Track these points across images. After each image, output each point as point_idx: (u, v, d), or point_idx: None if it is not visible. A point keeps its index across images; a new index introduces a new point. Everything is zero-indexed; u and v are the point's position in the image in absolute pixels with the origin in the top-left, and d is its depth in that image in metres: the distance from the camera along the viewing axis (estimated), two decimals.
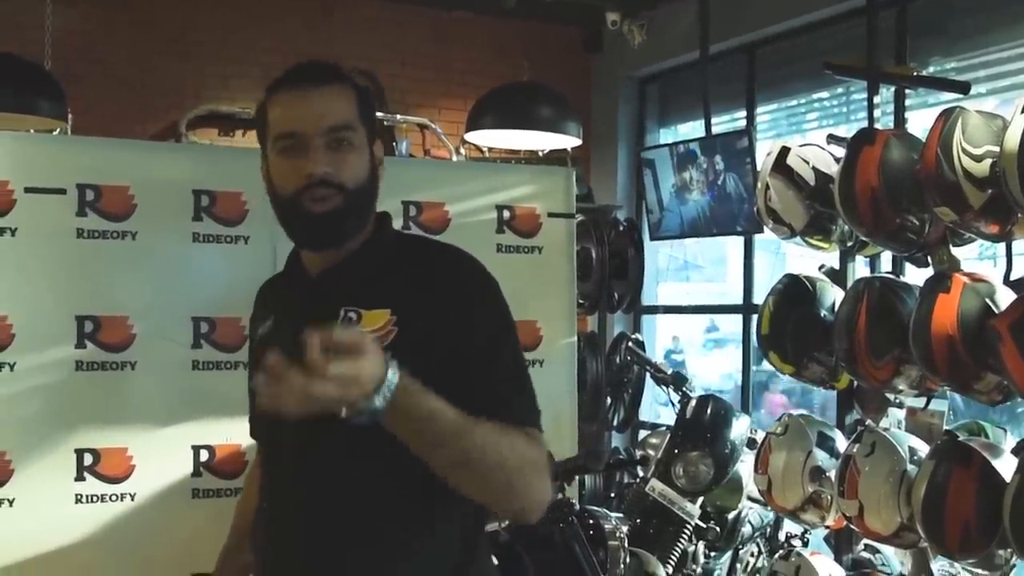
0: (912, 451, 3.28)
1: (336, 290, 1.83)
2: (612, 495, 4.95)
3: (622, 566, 3.08)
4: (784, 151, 3.75)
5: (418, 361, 1.64)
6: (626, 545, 3.12)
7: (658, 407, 6.09)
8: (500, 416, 1.68)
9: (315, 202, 1.77)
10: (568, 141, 4.91)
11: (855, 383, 3.69)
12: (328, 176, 1.76)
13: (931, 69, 4.46)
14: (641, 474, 4.31)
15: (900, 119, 4.40)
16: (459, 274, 1.82)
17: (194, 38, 5.56)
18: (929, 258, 3.33)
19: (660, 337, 6.49)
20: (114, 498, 3.18)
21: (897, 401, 3.61)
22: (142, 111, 5.41)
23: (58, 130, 4.35)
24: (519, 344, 1.84)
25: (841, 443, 3.65)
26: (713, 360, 8.07)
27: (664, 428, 4.74)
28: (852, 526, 3.46)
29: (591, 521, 3.06)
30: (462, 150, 5.84)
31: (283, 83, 1.81)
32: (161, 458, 3.24)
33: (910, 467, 3.24)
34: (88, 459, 3.17)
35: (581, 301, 5.11)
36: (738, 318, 5.66)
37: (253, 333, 2.04)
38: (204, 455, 3.29)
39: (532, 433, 1.73)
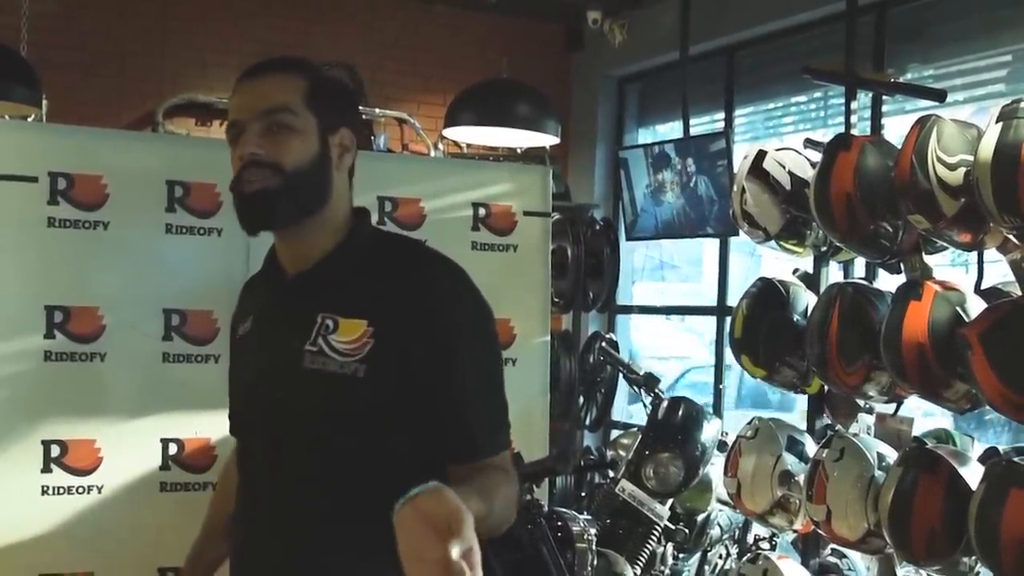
0: (880, 457, 3.30)
1: (313, 294, 1.81)
2: (583, 494, 4.96)
3: (589, 568, 3.09)
4: (761, 155, 3.76)
5: (392, 375, 1.69)
6: (594, 547, 3.13)
7: (630, 407, 6.11)
8: (473, 449, 1.73)
9: (248, 183, 1.77)
10: (546, 139, 4.91)
11: (826, 388, 3.71)
12: (257, 156, 1.76)
13: (909, 76, 4.49)
14: (612, 475, 4.32)
15: (877, 125, 4.41)
16: (446, 297, 1.78)
17: (172, 26, 5.52)
18: (902, 265, 3.34)
19: (635, 337, 6.50)
20: (81, 490, 3.15)
21: (867, 407, 3.63)
22: (119, 99, 5.36)
23: (32, 116, 4.30)
24: (500, 368, 1.84)
25: (811, 448, 3.66)
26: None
27: (636, 428, 4.76)
28: (819, 531, 3.47)
29: (559, 523, 3.06)
30: (440, 145, 5.83)
31: (238, 79, 1.83)
32: (129, 451, 3.21)
33: (878, 473, 3.25)
34: (55, 450, 3.13)
35: (556, 299, 5.12)
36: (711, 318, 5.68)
37: (234, 330, 2.03)
38: (173, 448, 3.26)
39: (502, 460, 1.78)
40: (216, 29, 5.57)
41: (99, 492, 3.16)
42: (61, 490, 3.13)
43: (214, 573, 2.16)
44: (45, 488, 3.12)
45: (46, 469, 3.12)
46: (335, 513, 1.75)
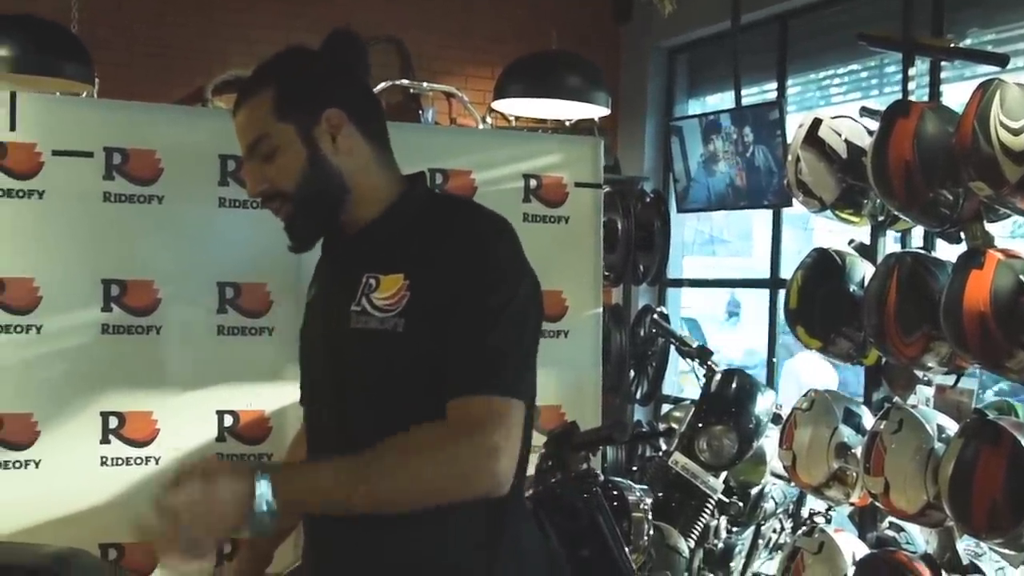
0: (940, 429, 3.24)
1: (359, 257, 1.82)
2: (634, 468, 4.94)
3: (646, 537, 3.07)
4: (816, 123, 3.69)
5: (430, 324, 1.68)
6: (650, 517, 3.11)
7: (681, 381, 6.07)
8: (458, 384, 1.67)
9: (276, 214, 1.84)
10: (596, 111, 4.87)
11: (883, 359, 3.65)
12: (264, 192, 1.82)
13: (968, 41, 4.39)
14: (664, 447, 4.30)
15: (935, 92, 4.33)
16: (456, 228, 1.78)
17: (219, 3, 5.54)
18: (962, 234, 3.28)
19: (685, 310, 6.46)
20: (139, 461, 3.20)
21: (926, 378, 3.57)
22: (167, 76, 5.39)
23: (84, 94, 4.33)
24: (515, 298, 1.74)
25: (868, 420, 3.61)
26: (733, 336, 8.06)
27: (688, 402, 4.72)
28: (877, 504, 3.42)
29: (615, 492, 3.04)
30: (488, 119, 5.81)
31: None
32: (185, 423, 3.25)
33: (938, 445, 3.20)
34: (113, 422, 3.18)
35: (606, 273, 5.08)
36: (762, 294, 5.62)
37: (308, 296, 2.04)
38: (228, 420, 3.30)
39: (479, 403, 1.66)
40: (262, 5, 5.58)
41: (156, 463, 3.21)
42: (119, 461, 3.18)
43: (283, 541, 2.15)
44: (104, 459, 3.17)
45: (104, 440, 3.17)
46: None
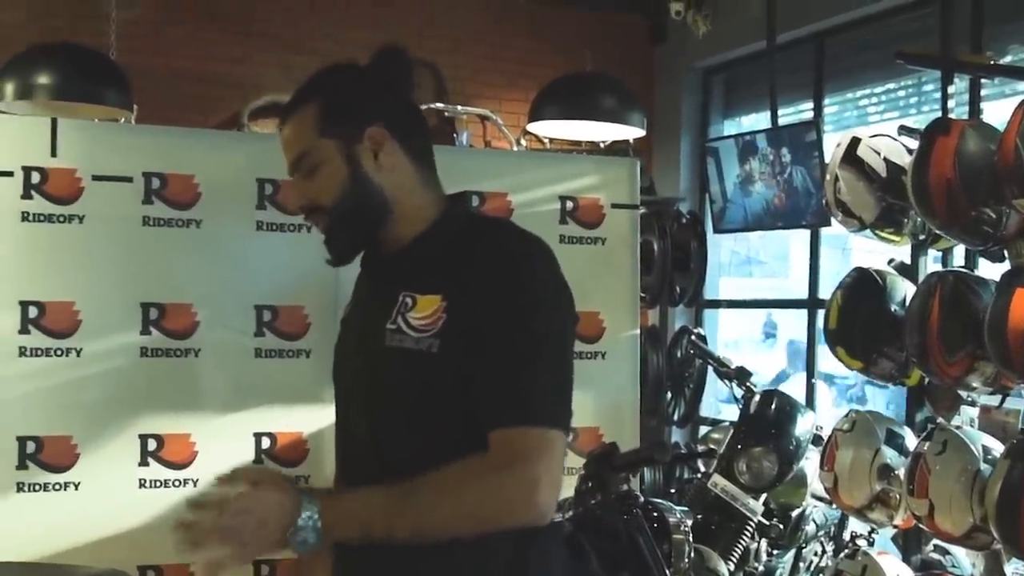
0: (986, 450, 3.20)
1: (397, 276, 1.82)
2: (672, 490, 4.89)
3: (687, 560, 3.04)
4: (854, 142, 3.68)
5: (465, 346, 1.69)
6: (691, 539, 3.08)
7: (719, 404, 6.02)
8: (492, 413, 1.67)
9: (318, 230, 1.85)
10: (632, 132, 4.86)
11: (926, 380, 3.61)
12: (305, 206, 1.83)
13: (1009, 58, 4.34)
14: (703, 469, 4.26)
15: (975, 110, 4.28)
16: (494, 252, 1.78)
17: (255, 29, 5.58)
18: (1005, 252, 3.24)
19: (721, 333, 6.41)
20: (177, 483, 3.20)
21: (970, 399, 3.52)
22: (204, 102, 5.43)
23: (123, 119, 4.38)
24: (552, 324, 1.74)
25: (911, 441, 3.57)
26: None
27: (726, 424, 4.68)
28: (921, 526, 3.38)
29: (655, 513, 3.02)
30: (523, 141, 5.81)
31: None
32: (223, 445, 3.25)
33: (984, 466, 3.15)
34: (152, 444, 3.19)
35: (642, 295, 5.06)
36: (799, 314, 5.57)
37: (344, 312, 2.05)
38: (266, 442, 3.30)
39: (520, 435, 1.66)
40: (299, 30, 5.61)
41: (195, 485, 3.20)
42: (158, 483, 3.18)
43: None
44: (142, 481, 3.17)
45: (143, 463, 3.18)
46: None
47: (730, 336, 6.71)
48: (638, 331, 3.85)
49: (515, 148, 5.80)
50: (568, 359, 1.78)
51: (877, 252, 4.06)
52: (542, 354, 1.71)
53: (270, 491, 1.61)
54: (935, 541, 3.62)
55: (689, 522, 3.12)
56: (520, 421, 1.67)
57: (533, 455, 1.65)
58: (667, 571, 2.79)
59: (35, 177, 3.14)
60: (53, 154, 3.16)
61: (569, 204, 3.73)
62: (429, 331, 1.72)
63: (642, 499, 2.94)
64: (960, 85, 4.19)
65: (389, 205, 1.82)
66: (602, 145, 5.47)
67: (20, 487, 3.06)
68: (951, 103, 3.88)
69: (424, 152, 1.89)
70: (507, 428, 1.67)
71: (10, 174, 3.12)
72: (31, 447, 3.07)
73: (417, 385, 1.74)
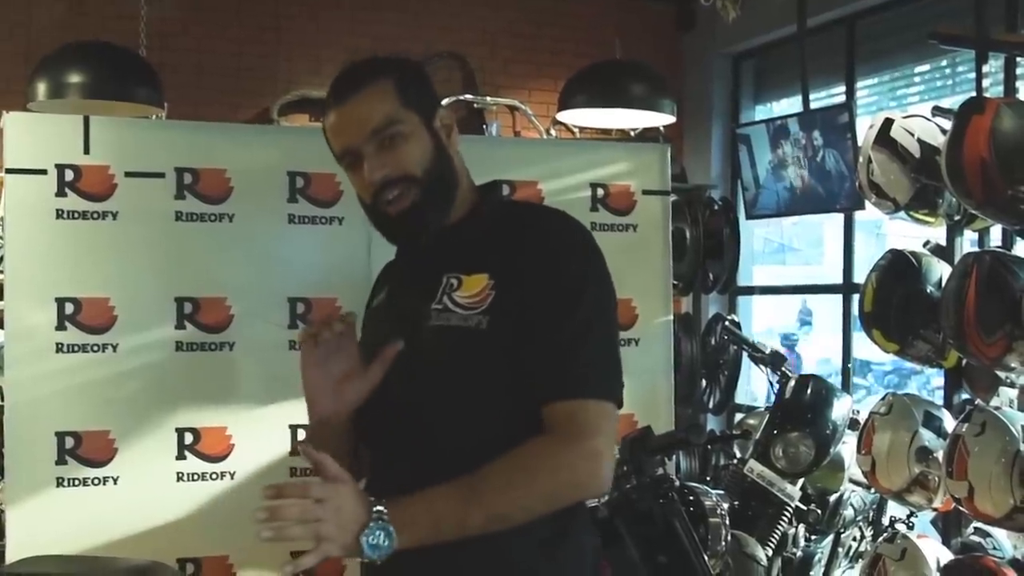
0: None
1: (439, 260, 1.82)
2: (708, 477, 4.88)
3: (723, 543, 3.02)
4: (887, 123, 3.64)
5: (514, 322, 1.70)
6: (727, 521, 3.06)
7: (753, 390, 5.99)
8: (548, 387, 1.68)
9: (390, 204, 1.79)
10: (662, 119, 4.84)
11: (963, 361, 3.57)
12: (388, 177, 1.78)
13: None
14: (739, 455, 4.24)
15: (1011, 90, 4.22)
16: (544, 231, 1.80)
17: (285, 24, 5.61)
18: None
19: (756, 320, 6.37)
20: (214, 476, 3.23)
21: (1008, 379, 3.48)
22: (234, 98, 5.46)
23: (154, 116, 4.41)
24: (607, 317, 1.78)
25: (949, 423, 3.53)
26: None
27: (762, 409, 4.65)
28: (961, 508, 3.35)
29: (691, 497, 3.01)
30: (552, 131, 5.80)
31: (328, 102, 1.84)
32: (259, 437, 3.27)
33: (1023, 447, 3.12)
34: (189, 438, 3.22)
35: (675, 282, 5.04)
36: (835, 300, 5.52)
37: (368, 305, 2.05)
38: (301, 435, 3.31)
39: (578, 407, 1.68)
40: (328, 25, 5.63)
41: (231, 478, 3.24)
42: (195, 476, 3.21)
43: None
44: (180, 474, 3.20)
45: (180, 456, 3.21)
46: (472, 467, 1.70)
47: (764, 324, 6.67)
48: (671, 317, 3.84)
49: (545, 138, 5.79)
50: (617, 335, 1.82)
51: (912, 237, 4.01)
52: (595, 328, 1.73)
53: (348, 485, 1.59)
54: (975, 523, 3.58)
55: (725, 505, 3.10)
56: (578, 394, 1.69)
57: (593, 428, 1.68)
58: (704, 555, 2.78)
59: (68, 175, 3.17)
60: (86, 152, 3.19)
61: (600, 191, 3.72)
62: (477, 308, 1.74)
63: (678, 483, 2.92)
64: (994, 64, 4.13)
65: (459, 184, 1.85)
66: (632, 133, 5.45)
67: (60, 482, 3.10)
68: (986, 83, 3.83)
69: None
70: (566, 401, 1.69)
71: (44, 172, 3.15)
72: (70, 442, 3.11)
73: (465, 361, 1.75)
